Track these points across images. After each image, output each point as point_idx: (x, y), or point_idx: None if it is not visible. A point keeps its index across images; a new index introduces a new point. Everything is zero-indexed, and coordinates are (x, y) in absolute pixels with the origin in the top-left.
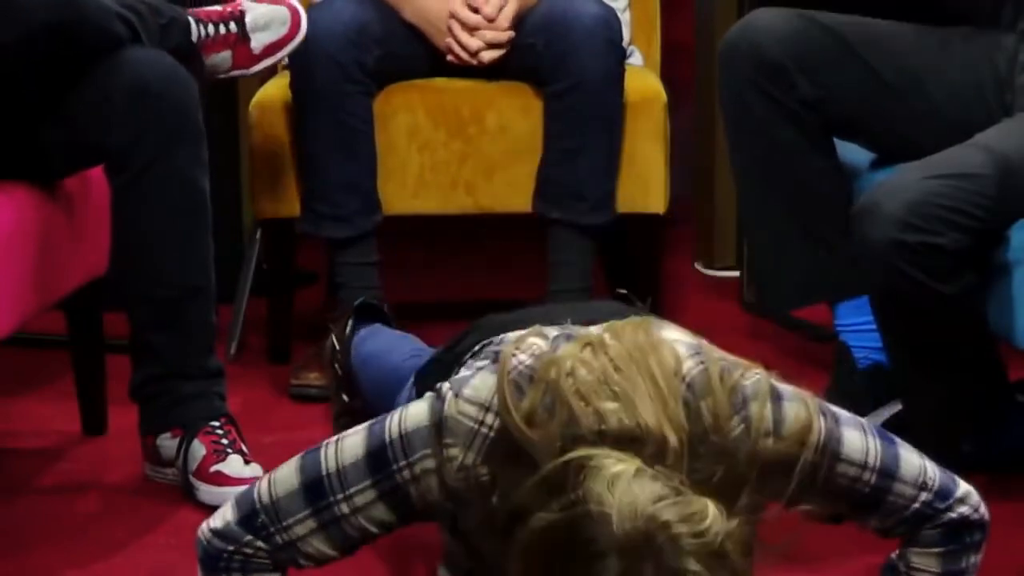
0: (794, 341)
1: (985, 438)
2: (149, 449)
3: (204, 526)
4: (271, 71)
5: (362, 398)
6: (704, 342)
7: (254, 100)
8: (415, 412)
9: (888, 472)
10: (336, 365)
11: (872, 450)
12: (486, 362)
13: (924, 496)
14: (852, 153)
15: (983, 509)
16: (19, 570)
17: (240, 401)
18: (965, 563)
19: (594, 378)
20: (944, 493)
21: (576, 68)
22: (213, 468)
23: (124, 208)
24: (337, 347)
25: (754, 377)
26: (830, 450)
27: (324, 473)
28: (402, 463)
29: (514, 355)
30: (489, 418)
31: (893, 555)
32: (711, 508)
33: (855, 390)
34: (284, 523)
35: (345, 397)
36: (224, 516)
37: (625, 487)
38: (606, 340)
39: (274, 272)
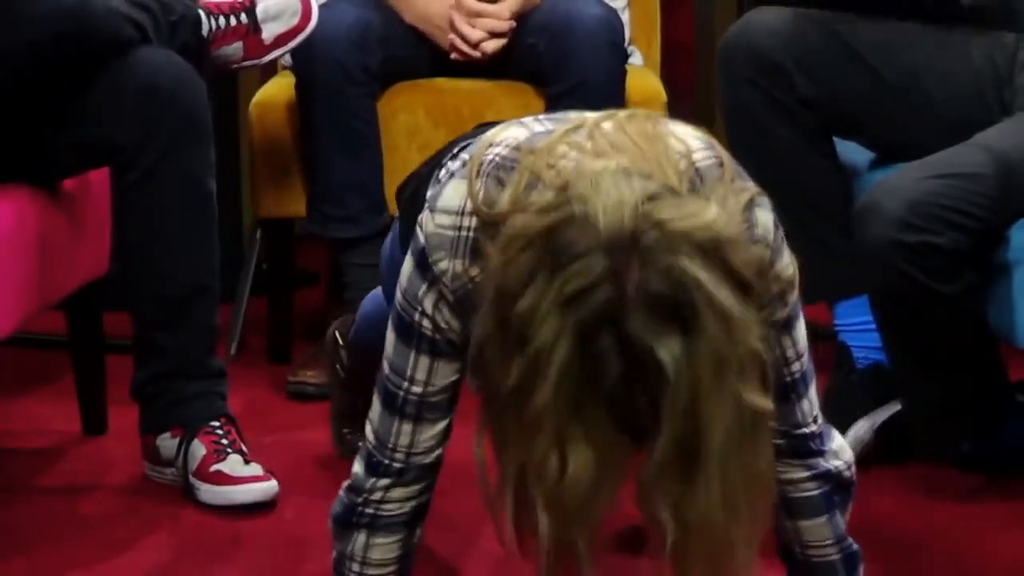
0: None
1: (985, 438)
2: (149, 449)
3: (343, 485)
4: (272, 70)
5: (364, 399)
6: (716, 143)
7: (255, 99)
8: (405, 270)
9: (806, 381)
10: (338, 365)
11: (806, 354)
12: (457, 165)
13: (812, 428)
14: (852, 153)
15: (854, 469)
16: (19, 570)
17: (240, 401)
18: (843, 524)
19: (588, 155)
20: (823, 437)
21: (578, 69)
22: (213, 467)
23: (131, 207)
24: (340, 342)
25: (763, 194)
26: (789, 315)
27: (386, 378)
28: (416, 316)
29: (490, 147)
30: (466, 220)
31: (781, 542)
32: (713, 207)
33: (854, 390)
34: (390, 443)
35: (346, 398)
36: (353, 470)
37: (610, 184)
38: (604, 125)
39: (274, 272)
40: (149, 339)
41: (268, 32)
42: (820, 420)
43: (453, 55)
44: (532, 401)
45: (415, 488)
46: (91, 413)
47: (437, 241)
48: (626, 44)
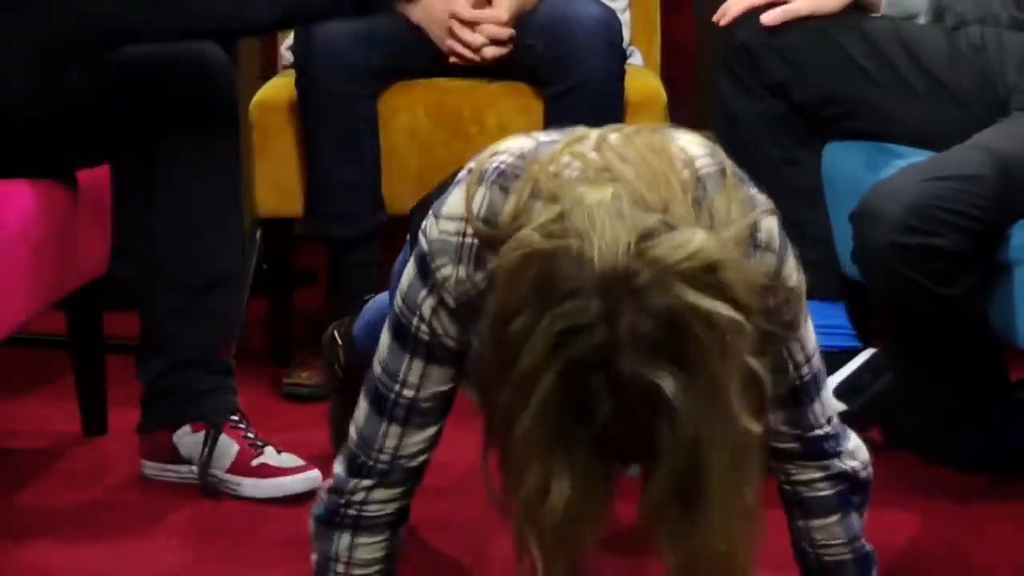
0: None
1: (985, 438)
2: (160, 445)
3: (323, 485)
4: (272, 71)
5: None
6: (719, 149)
7: (255, 100)
8: (406, 274)
9: (817, 384)
10: (336, 367)
11: (816, 355)
12: (464, 173)
13: (827, 428)
14: (848, 156)
15: (871, 469)
16: (19, 570)
17: (240, 401)
18: (858, 525)
19: (593, 167)
20: (839, 437)
21: (577, 70)
22: (255, 461)
23: (158, 194)
24: (340, 343)
25: (764, 195)
26: (796, 319)
27: (376, 379)
28: (414, 321)
29: (494, 155)
30: (470, 227)
31: (795, 543)
32: (700, 233)
33: None
34: (376, 446)
35: (344, 399)
36: (334, 471)
37: (606, 218)
38: (609, 137)
39: (274, 272)
40: (166, 330)
41: None
42: (835, 422)
43: (452, 59)
44: (516, 425)
45: (398, 491)
46: (91, 413)
47: (440, 247)
48: (626, 44)
